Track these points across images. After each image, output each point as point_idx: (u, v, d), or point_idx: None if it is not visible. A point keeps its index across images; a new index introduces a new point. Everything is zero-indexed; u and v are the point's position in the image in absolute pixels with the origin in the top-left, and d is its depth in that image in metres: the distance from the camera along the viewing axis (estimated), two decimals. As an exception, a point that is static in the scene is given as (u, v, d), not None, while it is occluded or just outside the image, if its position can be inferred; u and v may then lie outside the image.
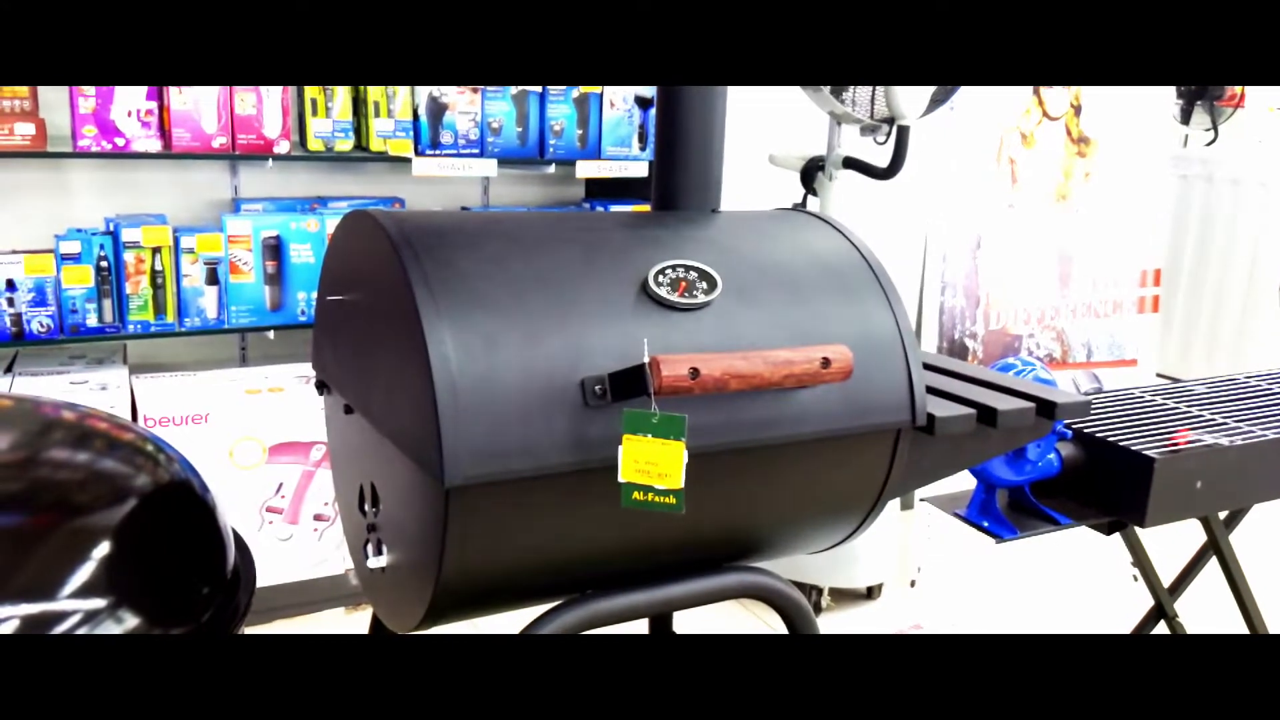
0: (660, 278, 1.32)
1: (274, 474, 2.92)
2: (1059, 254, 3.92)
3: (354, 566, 1.62)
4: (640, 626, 1.81)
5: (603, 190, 3.75)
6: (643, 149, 3.39)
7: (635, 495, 1.22)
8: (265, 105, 2.87)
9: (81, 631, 1.03)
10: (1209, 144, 5.22)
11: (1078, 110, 3.87)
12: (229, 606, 1.21)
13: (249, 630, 2.77)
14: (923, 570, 3.48)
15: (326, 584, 3.06)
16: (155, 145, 2.79)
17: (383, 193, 3.45)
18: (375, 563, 1.44)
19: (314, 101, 2.97)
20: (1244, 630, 2.49)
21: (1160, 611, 2.49)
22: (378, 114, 3.01)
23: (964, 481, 1.99)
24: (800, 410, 1.35)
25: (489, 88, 3.13)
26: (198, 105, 2.79)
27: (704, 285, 1.34)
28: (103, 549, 1.08)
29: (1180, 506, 1.99)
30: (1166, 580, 2.51)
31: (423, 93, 3.06)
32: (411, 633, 1.38)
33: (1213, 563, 2.45)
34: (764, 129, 3.54)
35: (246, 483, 2.89)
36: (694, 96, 1.58)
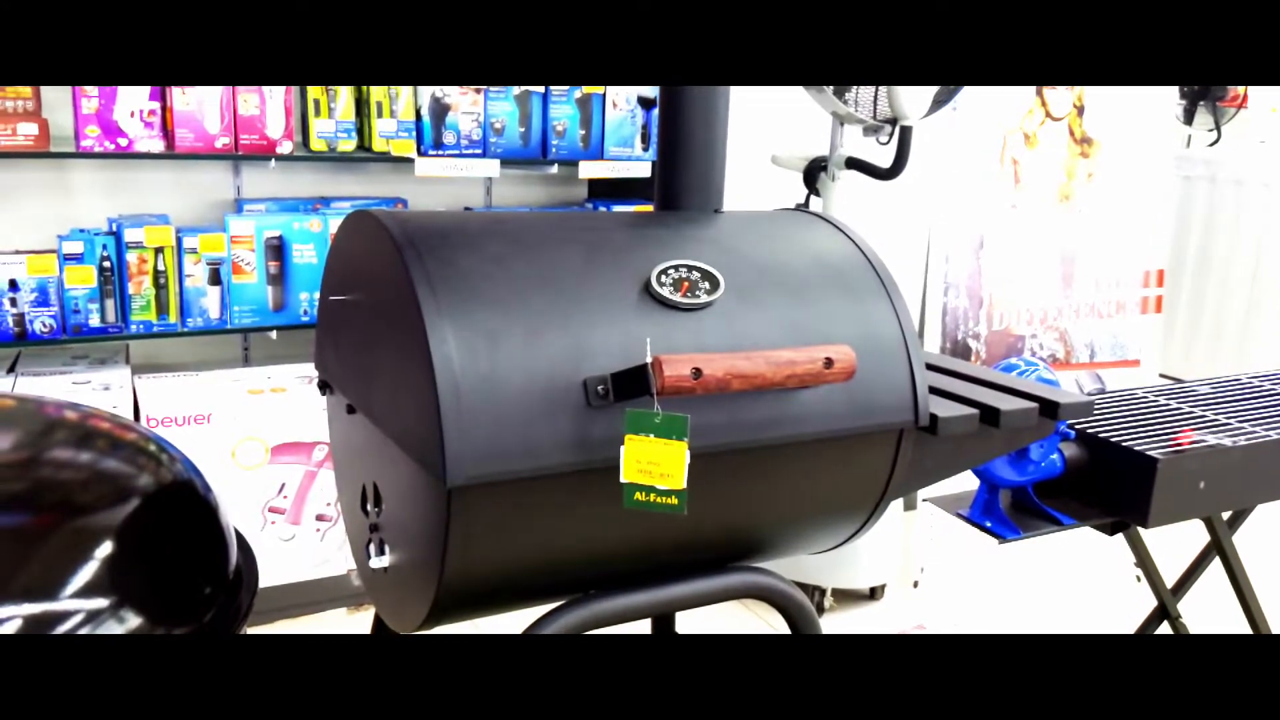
0: (663, 278, 1.32)
1: (276, 474, 2.92)
2: (1062, 254, 3.92)
3: (356, 567, 1.62)
4: (643, 627, 1.81)
5: (605, 190, 3.75)
6: (645, 149, 3.39)
7: (637, 496, 1.22)
8: (268, 106, 2.87)
9: (84, 631, 1.03)
10: (1212, 144, 5.22)
11: (1080, 111, 3.87)
12: (231, 607, 1.21)
13: (251, 630, 2.78)
14: (925, 571, 3.48)
15: (329, 584, 3.06)
16: (158, 145, 2.79)
17: (385, 193, 3.45)
18: (378, 563, 1.44)
19: (317, 102, 2.97)
20: (1247, 631, 2.49)
21: (1163, 612, 2.49)
22: (380, 114, 3.01)
23: (967, 482, 1.99)
24: (803, 410, 1.35)
25: (491, 88, 3.13)
26: (200, 106, 2.79)
27: (706, 285, 1.34)
28: (105, 549, 1.08)
29: (1183, 507, 1.99)
30: (1169, 580, 2.51)
31: (425, 93, 3.06)
32: (414, 633, 1.38)
33: (1216, 563, 2.44)
34: (767, 129, 3.54)
35: (249, 483, 2.89)
36: (697, 97, 1.58)
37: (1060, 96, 3.82)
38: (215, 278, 2.87)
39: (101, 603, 1.05)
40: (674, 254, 1.37)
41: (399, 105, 3.03)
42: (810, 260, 1.47)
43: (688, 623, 2.95)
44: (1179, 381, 2.56)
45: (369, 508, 1.49)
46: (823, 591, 3.22)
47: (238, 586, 1.25)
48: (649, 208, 2.64)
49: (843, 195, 2.93)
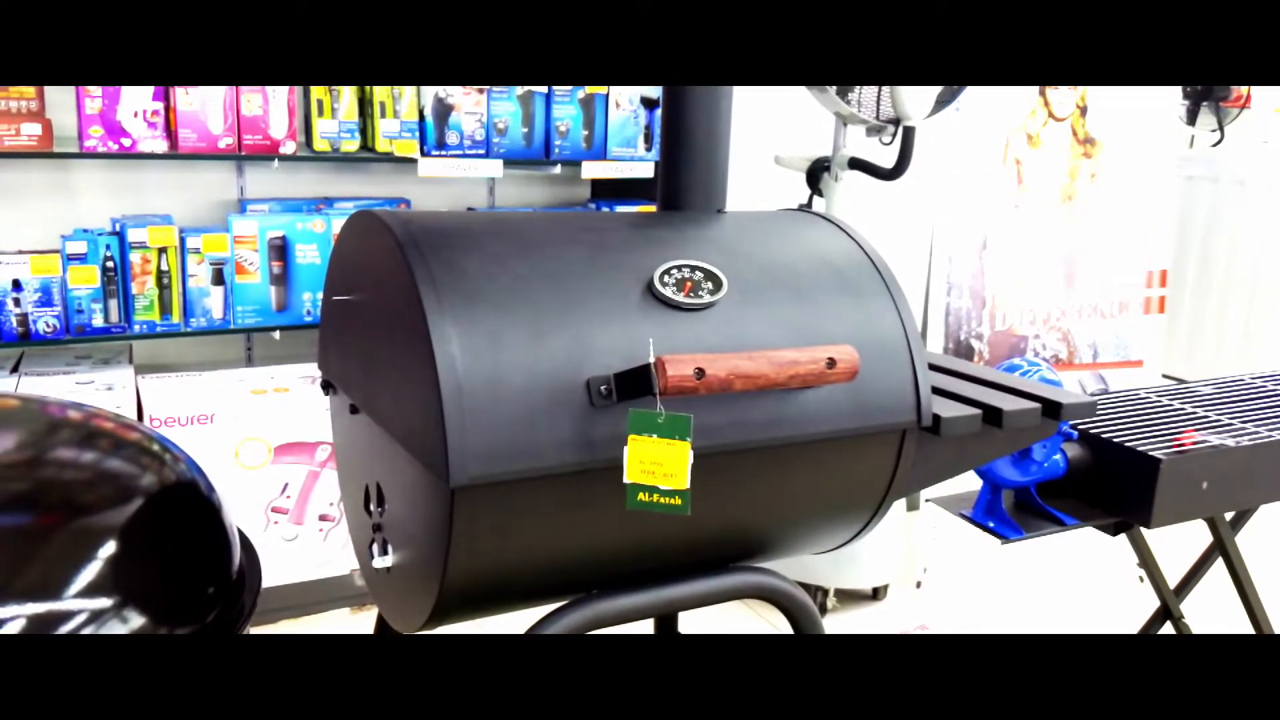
0: (665, 278, 1.32)
1: (279, 474, 2.92)
2: (1065, 255, 3.91)
3: (359, 567, 1.63)
4: (645, 627, 1.81)
5: (608, 191, 3.75)
6: (648, 149, 3.39)
7: (641, 496, 1.22)
8: (271, 106, 2.87)
9: (87, 631, 1.03)
10: (1215, 145, 5.21)
11: (1083, 111, 3.87)
12: (234, 607, 1.21)
13: (254, 631, 2.78)
14: (928, 571, 3.47)
15: (332, 584, 3.07)
16: (161, 146, 2.79)
17: (388, 193, 3.45)
18: (381, 563, 1.44)
19: (320, 102, 2.97)
20: (1250, 631, 2.49)
21: (1166, 612, 2.49)
22: (383, 114, 3.01)
23: (970, 482, 1.99)
24: (806, 410, 1.35)
25: (494, 88, 3.13)
26: (204, 106, 2.79)
27: (709, 285, 1.34)
28: (108, 549, 1.08)
29: (1186, 507, 1.99)
30: (1172, 581, 2.50)
31: (428, 93, 3.07)
32: (417, 633, 1.38)
33: (1218, 563, 2.44)
34: (769, 129, 3.54)
35: (252, 483, 2.89)
36: (700, 97, 1.58)
37: (1063, 97, 3.82)
38: (218, 278, 2.87)
39: (105, 603, 1.05)
40: (677, 254, 1.37)
41: (402, 105, 3.03)
42: (813, 260, 1.46)
43: (690, 623, 2.95)
44: (1182, 382, 2.55)
45: (372, 508, 1.49)
46: (825, 592, 3.22)
47: (241, 587, 1.25)
48: (652, 208, 2.64)
49: (845, 195, 2.93)
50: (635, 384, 1.20)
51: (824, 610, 3.23)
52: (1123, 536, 2.12)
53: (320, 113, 2.97)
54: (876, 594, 3.35)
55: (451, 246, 1.27)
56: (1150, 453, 1.93)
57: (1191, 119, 5.29)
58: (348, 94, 3.00)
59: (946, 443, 1.52)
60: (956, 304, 3.67)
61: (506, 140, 3.18)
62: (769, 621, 3.15)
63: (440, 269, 1.23)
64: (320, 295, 2.96)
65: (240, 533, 1.32)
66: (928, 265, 3.63)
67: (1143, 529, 2.07)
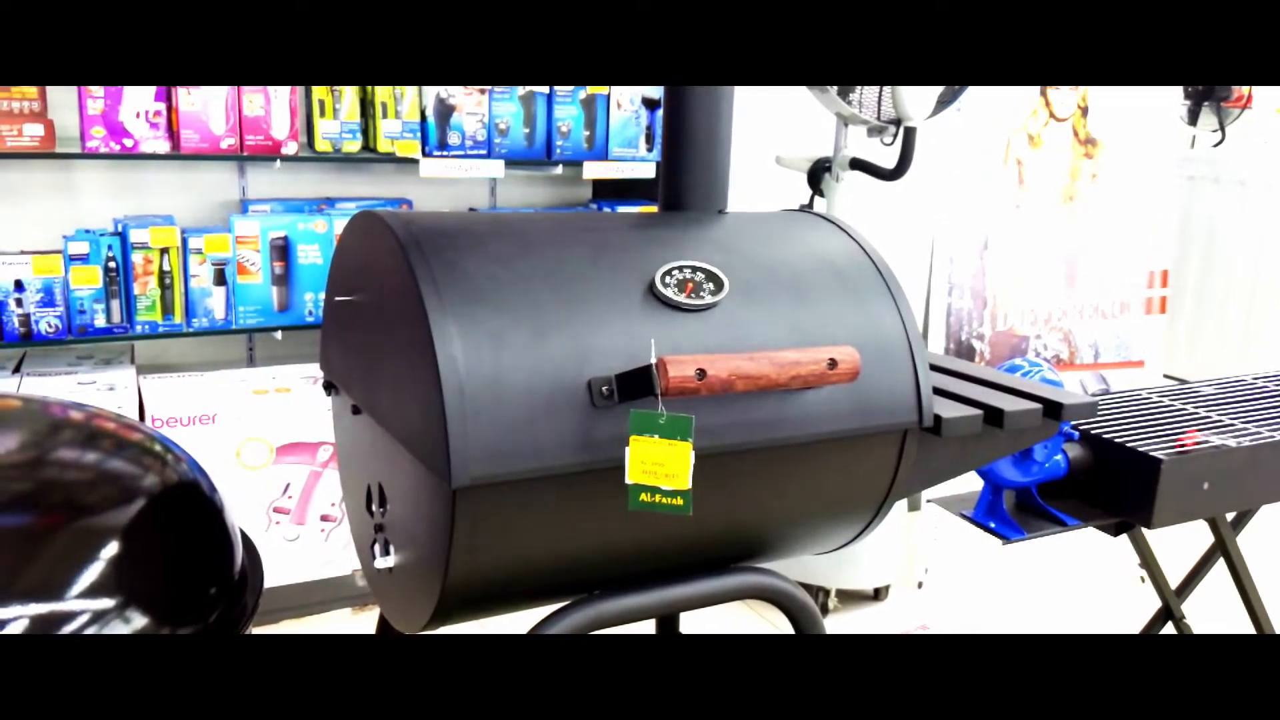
0: (667, 278, 1.32)
1: (281, 474, 2.92)
2: (1066, 255, 3.91)
3: (361, 567, 1.63)
4: (647, 627, 1.81)
5: (610, 191, 3.75)
6: (649, 150, 3.39)
7: (643, 497, 1.22)
8: (273, 106, 2.87)
9: (89, 631, 1.03)
10: (1216, 145, 5.20)
11: (1085, 111, 3.86)
12: (236, 607, 1.21)
13: (256, 631, 2.78)
14: (929, 571, 3.47)
15: (333, 584, 3.07)
16: (163, 146, 2.79)
17: (390, 194, 3.45)
18: (382, 563, 1.44)
19: (322, 102, 2.97)
20: (1251, 631, 2.48)
21: (1167, 612, 2.49)
22: (385, 115, 3.02)
23: (971, 483, 1.99)
24: (807, 411, 1.35)
25: (496, 89, 3.13)
26: (206, 106, 2.80)
27: (711, 286, 1.34)
28: (110, 549, 1.08)
29: (1187, 508, 1.99)
30: (1174, 581, 2.50)
31: (430, 94, 3.07)
32: (419, 633, 1.38)
33: (1220, 564, 2.44)
34: (771, 130, 3.54)
35: (254, 483, 2.89)
36: (701, 97, 1.58)
37: (1064, 97, 3.82)
38: (220, 278, 2.88)
39: (107, 603, 1.05)
40: (678, 255, 1.37)
41: (404, 106, 3.03)
42: (814, 261, 1.47)
43: (692, 623, 2.95)
44: (1183, 382, 2.55)
45: (374, 508, 1.49)
46: (827, 592, 3.22)
47: (243, 587, 1.25)
48: (653, 208, 2.65)
49: (847, 196, 2.93)
50: (637, 384, 1.20)
51: (825, 610, 3.23)
52: (1124, 537, 2.12)
53: (322, 113, 2.98)
54: (878, 594, 3.35)
55: (453, 247, 1.27)
56: (1151, 453, 1.93)
57: (1193, 119, 5.28)
58: (349, 94, 3.00)
59: (948, 443, 1.52)
60: (957, 304, 3.67)
61: (508, 141, 3.18)
62: (770, 622, 3.15)
63: (442, 269, 1.23)
64: (322, 296, 2.96)
65: (242, 533, 1.32)
66: (929, 265, 3.63)
67: (1144, 529, 2.07)
